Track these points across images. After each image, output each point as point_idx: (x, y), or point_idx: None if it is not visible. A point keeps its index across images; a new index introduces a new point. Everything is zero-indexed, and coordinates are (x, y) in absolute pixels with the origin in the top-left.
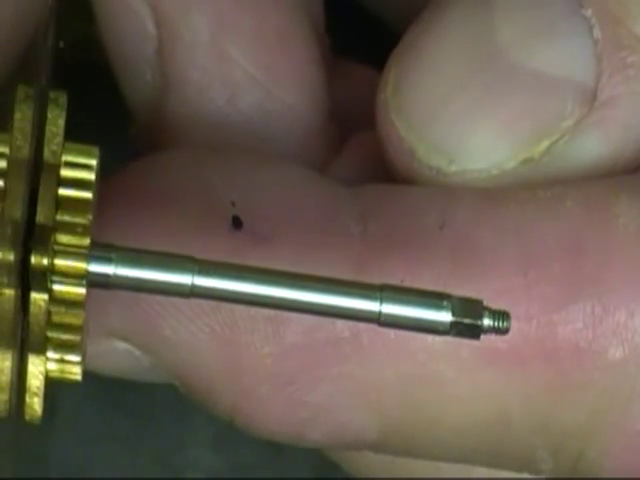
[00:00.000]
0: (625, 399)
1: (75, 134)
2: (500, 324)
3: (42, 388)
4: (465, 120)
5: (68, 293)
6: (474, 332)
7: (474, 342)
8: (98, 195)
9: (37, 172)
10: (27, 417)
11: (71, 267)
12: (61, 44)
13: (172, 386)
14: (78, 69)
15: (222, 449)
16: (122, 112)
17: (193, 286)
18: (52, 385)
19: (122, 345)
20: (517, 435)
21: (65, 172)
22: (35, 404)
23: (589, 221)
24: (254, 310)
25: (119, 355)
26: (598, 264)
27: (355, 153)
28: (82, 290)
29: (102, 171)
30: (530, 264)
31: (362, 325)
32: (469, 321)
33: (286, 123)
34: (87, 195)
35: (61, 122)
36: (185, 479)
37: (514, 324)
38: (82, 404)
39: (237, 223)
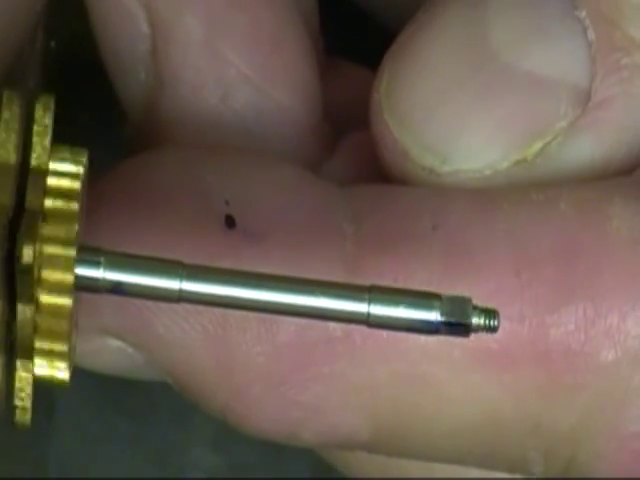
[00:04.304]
0: (617, 402)
1: (68, 133)
2: (489, 322)
3: (30, 392)
4: (459, 120)
5: (55, 293)
6: (463, 330)
7: (466, 343)
8: (88, 195)
9: (24, 175)
10: (16, 421)
11: (59, 269)
12: (52, 44)
13: (171, 386)
14: (72, 68)
15: (222, 449)
16: (115, 111)
17: (181, 291)
18: (48, 387)
19: (115, 343)
20: (509, 436)
21: (52, 174)
22: (23, 408)
23: (582, 223)
24: None
25: (112, 352)
26: (591, 266)
27: (348, 153)
28: (69, 295)
29: (94, 170)
30: (523, 265)
31: (354, 325)
32: (458, 319)
33: (279, 122)
34: (73, 200)
35: (48, 124)
36: (185, 479)
37: (506, 325)
38: (82, 405)
39: (230, 222)
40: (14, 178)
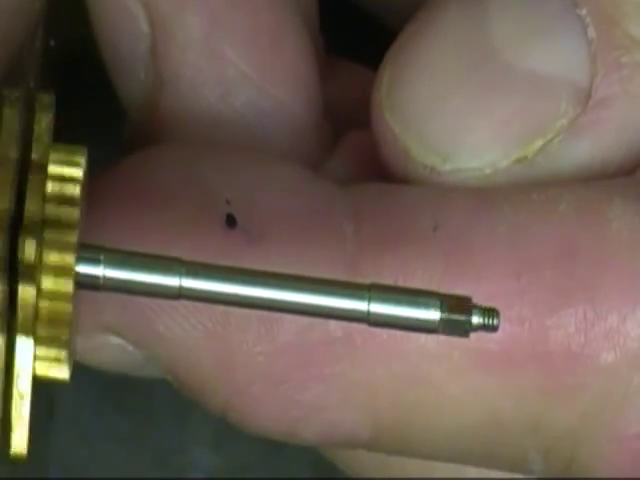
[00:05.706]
0: (617, 403)
1: (67, 131)
2: (489, 321)
3: (30, 387)
4: (459, 119)
5: (56, 294)
6: (463, 329)
7: (466, 344)
8: (88, 192)
9: (25, 173)
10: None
11: (59, 269)
12: (52, 43)
13: (172, 386)
14: (72, 66)
15: (222, 449)
16: (116, 110)
17: (181, 288)
18: (48, 386)
19: (115, 340)
20: (509, 436)
21: (52, 175)
22: (23, 404)
23: (582, 225)
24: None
25: (112, 350)
26: (591, 268)
27: (349, 152)
28: (70, 289)
29: (95, 168)
30: (523, 267)
31: (355, 325)
32: (458, 318)
33: (279, 121)
34: (75, 193)
35: (47, 123)
36: (185, 479)
37: (506, 327)
38: (82, 404)
39: (231, 221)
40: (14, 177)
